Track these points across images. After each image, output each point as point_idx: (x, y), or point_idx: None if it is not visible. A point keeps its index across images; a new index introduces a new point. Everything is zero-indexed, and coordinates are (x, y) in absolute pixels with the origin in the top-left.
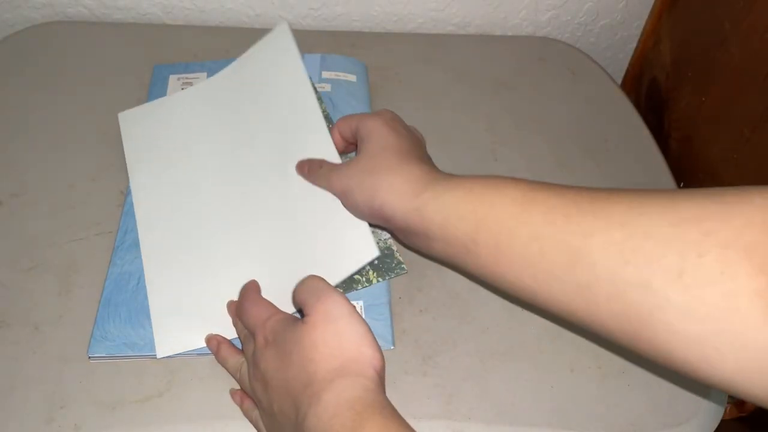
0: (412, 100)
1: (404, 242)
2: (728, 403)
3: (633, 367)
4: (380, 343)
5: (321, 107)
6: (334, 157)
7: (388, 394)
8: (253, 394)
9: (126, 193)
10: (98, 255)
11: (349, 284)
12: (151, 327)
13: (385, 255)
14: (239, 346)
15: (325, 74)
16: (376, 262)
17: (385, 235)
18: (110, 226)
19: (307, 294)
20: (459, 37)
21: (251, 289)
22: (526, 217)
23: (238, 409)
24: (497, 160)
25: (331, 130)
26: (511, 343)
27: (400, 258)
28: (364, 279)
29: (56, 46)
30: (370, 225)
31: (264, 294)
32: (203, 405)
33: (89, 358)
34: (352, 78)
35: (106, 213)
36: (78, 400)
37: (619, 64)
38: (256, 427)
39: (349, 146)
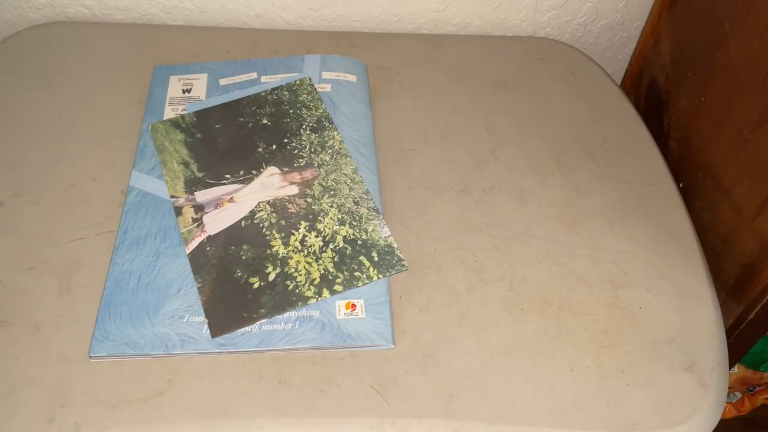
0: (412, 100)
1: None
2: (727, 402)
3: (633, 367)
4: (380, 342)
5: (321, 108)
6: None
7: (388, 394)
8: None
9: (126, 192)
10: (99, 254)
11: (350, 281)
12: (151, 326)
13: (386, 252)
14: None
15: (325, 74)
16: (376, 258)
17: (386, 232)
18: (111, 226)
19: None
20: (459, 37)
21: None
22: None
23: (238, 408)
24: (497, 160)
25: None
26: (511, 343)
27: (401, 255)
28: (364, 276)
29: (56, 47)
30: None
31: None
32: (204, 404)
33: (90, 357)
34: (352, 78)
35: (107, 213)
36: (79, 399)
37: (619, 64)
38: None
39: None
